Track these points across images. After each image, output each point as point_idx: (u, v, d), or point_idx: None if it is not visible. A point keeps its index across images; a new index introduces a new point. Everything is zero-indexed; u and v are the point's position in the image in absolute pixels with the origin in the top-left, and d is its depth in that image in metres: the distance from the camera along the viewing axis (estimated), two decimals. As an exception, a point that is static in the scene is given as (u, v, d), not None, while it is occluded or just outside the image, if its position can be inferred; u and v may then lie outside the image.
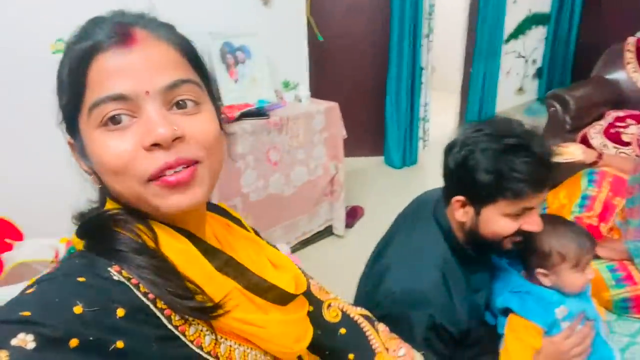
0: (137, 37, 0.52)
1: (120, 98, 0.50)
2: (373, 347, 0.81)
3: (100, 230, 0.55)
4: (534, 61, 4.45)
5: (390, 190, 2.93)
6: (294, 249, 2.23)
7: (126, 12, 0.55)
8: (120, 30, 0.51)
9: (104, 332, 0.46)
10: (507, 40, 4.04)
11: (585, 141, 2.52)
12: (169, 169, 0.51)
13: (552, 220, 1.16)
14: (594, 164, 2.07)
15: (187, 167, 0.52)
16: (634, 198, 1.94)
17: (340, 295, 0.87)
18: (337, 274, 1.93)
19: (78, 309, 0.45)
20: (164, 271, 0.52)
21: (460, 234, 1.12)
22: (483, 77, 3.77)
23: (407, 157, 3.35)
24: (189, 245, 0.57)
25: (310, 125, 2.20)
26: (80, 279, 0.49)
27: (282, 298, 0.64)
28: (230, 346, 0.58)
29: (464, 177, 1.02)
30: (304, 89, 2.37)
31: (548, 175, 0.98)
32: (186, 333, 0.53)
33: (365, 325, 0.83)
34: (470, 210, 1.06)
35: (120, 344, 0.46)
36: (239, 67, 2.22)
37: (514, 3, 3.88)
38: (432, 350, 1.06)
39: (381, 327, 0.86)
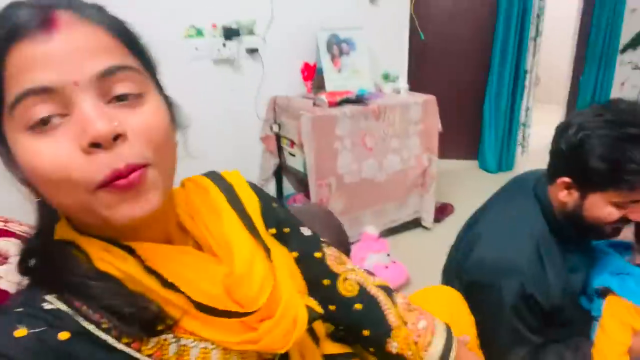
0: (59, 20, 0.44)
1: (44, 91, 0.43)
2: (389, 321, 0.76)
3: (41, 260, 0.50)
4: (655, 74, 4.08)
5: (483, 193, 2.82)
6: (382, 235, 2.28)
7: None
8: (40, 13, 0.44)
9: (48, 354, 0.43)
10: (624, 50, 3.78)
11: None
12: (118, 178, 0.44)
13: None
14: None
15: (136, 171, 0.45)
16: None
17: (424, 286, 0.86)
18: (422, 266, 1.95)
19: (21, 332, 0.43)
20: (105, 293, 0.47)
21: (559, 213, 1.11)
22: (594, 87, 3.55)
23: (504, 162, 3.26)
24: (129, 267, 0.50)
25: (406, 115, 2.26)
26: (18, 310, 0.46)
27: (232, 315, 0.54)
28: (206, 347, 0.53)
29: (576, 161, 1.00)
30: (403, 82, 2.44)
31: None
32: (142, 348, 0.48)
33: (382, 298, 0.78)
34: (575, 193, 1.04)
35: None
36: (343, 57, 2.36)
37: (633, 12, 3.63)
38: (520, 320, 1.06)
39: (399, 299, 0.80)
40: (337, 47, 2.35)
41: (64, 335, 0.44)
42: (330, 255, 0.76)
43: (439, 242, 2.45)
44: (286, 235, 0.71)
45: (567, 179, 1.04)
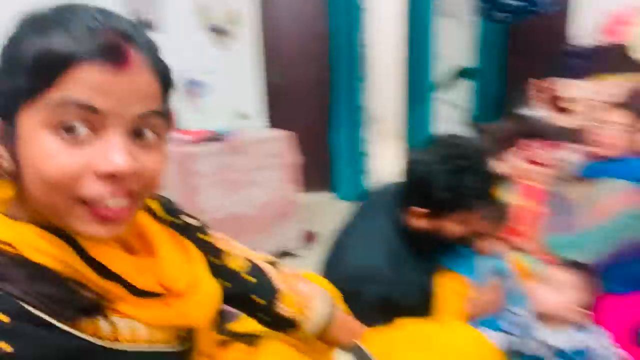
0: (130, 59, 0.49)
1: (90, 109, 0.47)
2: (276, 286, 0.89)
3: None
4: (467, 109, 4.90)
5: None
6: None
7: (120, 19, 0.50)
8: (114, 45, 0.48)
9: None
10: (438, 90, 4.49)
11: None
12: (108, 198, 0.49)
13: None
14: (512, 177, 2.39)
15: (126, 199, 0.50)
16: (551, 204, 2.25)
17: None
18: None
19: None
20: (39, 279, 0.49)
21: (415, 234, 1.28)
22: (419, 123, 4.12)
23: (359, 190, 3.56)
24: (67, 255, 0.52)
25: (265, 150, 2.40)
26: None
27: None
28: (132, 324, 0.57)
29: (423, 193, 1.19)
30: (259, 120, 2.61)
31: (493, 192, 1.22)
32: (82, 326, 0.51)
33: (269, 268, 0.91)
34: (426, 219, 1.24)
35: (7, 347, 0.43)
36: (199, 99, 2.43)
37: (440, 58, 4.37)
38: (382, 317, 1.21)
39: (285, 268, 0.95)
40: (194, 89, 2.41)
41: (4, 318, 0.45)
42: (217, 236, 0.87)
43: (307, 268, 2.58)
44: (179, 224, 0.79)
45: (418, 209, 1.23)
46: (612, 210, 1.93)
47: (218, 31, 2.55)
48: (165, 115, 0.54)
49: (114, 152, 0.48)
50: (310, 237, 2.78)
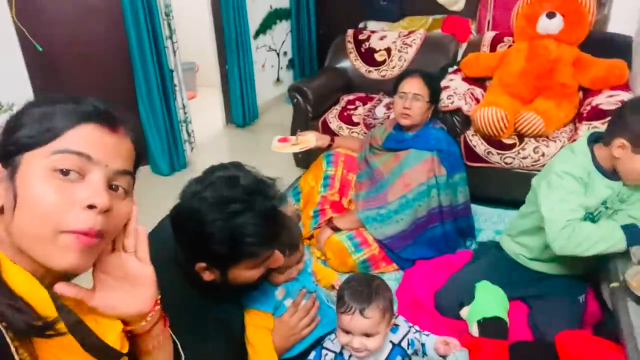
0: (119, 126, 0.67)
1: (85, 156, 0.61)
2: None
3: None
4: (285, 53, 4.79)
5: (162, 198, 2.82)
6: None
7: (119, 111, 0.69)
8: (112, 119, 0.66)
9: None
10: (256, 36, 4.24)
11: (325, 125, 2.83)
12: (86, 235, 0.60)
13: None
14: (329, 147, 2.36)
15: (97, 237, 0.61)
16: (361, 173, 2.28)
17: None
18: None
19: None
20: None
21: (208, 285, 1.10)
22: (239, 72, 3.89)
23: (175, 162, 3.26)
24: (47, 298, 0.61)
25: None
26: None
27: (115, 357, 0.68)
28: None
29: (202, 248, 1.00)
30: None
31: (276, 229, 1.04)
32: (19, 350, 0.57)
33: None
34: (216, 271, 1.06)
35: None
36: None
37: (254, 0, 4.08)
38: None
39: None
40: None
41: None
42: None
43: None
44: None
45: (203, 264, 1.04)
46: (414, 181, 2.01)
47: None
48: (133, 176, 0.69)
49: (97, 189, 0.62)
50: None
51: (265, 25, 4.39)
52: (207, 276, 1.07)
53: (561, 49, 2.50)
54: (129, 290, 0.69)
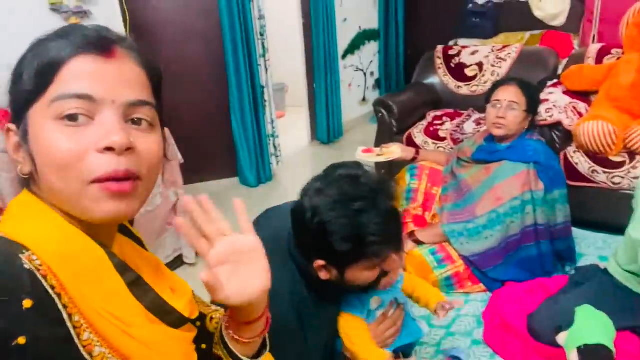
0: (116, 52, 0.57)
1: (86, 98, 0.54)
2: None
3: (20, 213, 0.57)
4: (372, 73, 4.82)
5: (249, 209, 2.91)
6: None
7: (110, 30, 0.60)
8: (103, 42, 0.57)
9: (9, 322, 0.46)
10: (344, 56, 4.33)
11: (410, 140, 2.77)
12: (114, 180, 0.54)
13: None
14: (413, 159, 2.29)
15: (130, 180, 0.56)
16: (447, 186, 2.18)
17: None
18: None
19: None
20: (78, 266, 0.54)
21: (322, 282, 1.10)
22: (326, 91, 3.97)
23: (262, 175, 3.37)
24: (105, 256, 0.58)
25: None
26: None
27: (177, 321, 0.65)
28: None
29: (323, 246, 1.01)
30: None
31: (399, 228, 1.04)
32: (81, 337, 0.53)
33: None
34: (333, 270, 1.06)
35: (22, 340, 0.46)
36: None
37: (344, 22, 4.18)
38: None
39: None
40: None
41: (27, 303, 0.47)
42: (199, 299, 0.85)
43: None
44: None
45: (322, 262, 1.05)
46: (506, 195, 1.87)
47: (70, 12, 2.14)
48: (155, 107, 0.60)
49: (109, 129, 0.54)
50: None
51: (354, 46, 4.47)
52: (324, 275, 1.07)
53: (681, 59, 2.23)
54: (247, 270, 0.65)
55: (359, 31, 4.47)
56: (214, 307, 0.85)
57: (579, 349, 1.34)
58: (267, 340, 0.78)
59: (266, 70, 3.27)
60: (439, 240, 1.97)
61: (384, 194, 1.00)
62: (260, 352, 0.77)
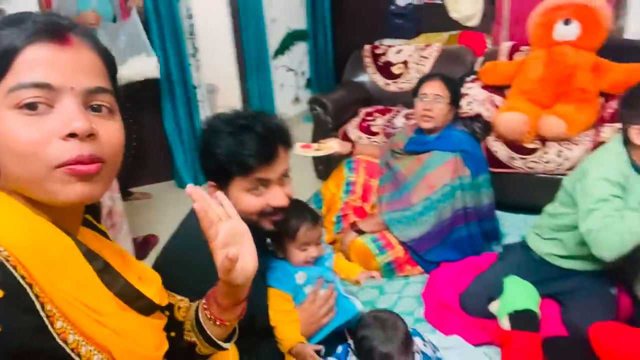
0: (69, 37, 0.57)
1: (44, 86, 0.54)
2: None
3: None
4: (303, 73, 4.90)
5: (186, 211, 2.86)
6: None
7: (62, 16, 0.60)
8: (57, 29, 0.56)
9: None
10: (275, 56, 4.36)
11: (345, 136, 2.87)
12: (79, 163, 0.55)
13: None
14: (350, 154, 2.38)
15: (94, 163, 0.56)
16: (383, 177, 2.29)
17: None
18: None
19: None
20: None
21: None
22: (259, 92, 3.98)
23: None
24: (72, 245, 0.59)
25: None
26: None
27: (147, 308, 0.67)
28: (90, 350, 0.57)
29: (208, 162, 1.11)
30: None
31: (271, 149, 1.09)
32: (54, 325, 0.53)
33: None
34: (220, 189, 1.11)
35: None
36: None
37: (273, 22, 4.21)
38: None
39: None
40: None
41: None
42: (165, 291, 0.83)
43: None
44: None
45: (212, 182, 1.12)
46: (438, 182, 2.01)
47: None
48: (114, 94, 0.61)
49: (70, 116, 0.55)
50: (147, 244, 2.49)
51: (284, 46, 4.52)
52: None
53: (579, 55, 2.51)
54: (243, 251, 0.71)
55: (288, 31, 4.52)
56: (179, 297, 0.87)
57: (509, 315, 1.50)
58: (236, 326, 0.82)
59: (197, 69, 3.23)
60: (379, 229, 2.08)
61: (263, 119, 1.12)
62: (230, 337, 0.80)
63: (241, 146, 1.06)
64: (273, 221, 1.16)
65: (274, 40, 4.28)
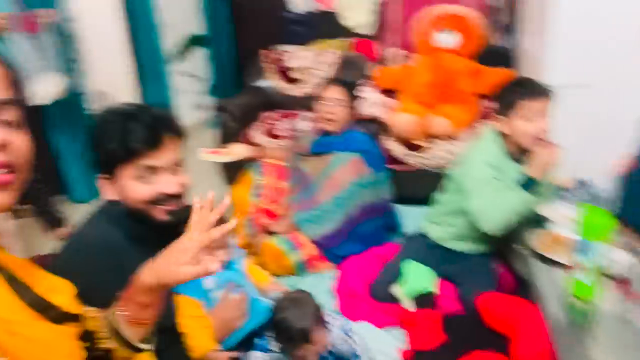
0: None
1: None
2: None
3: None
4: (204, 78, 4.81)
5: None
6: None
7: None
8: None
9: None
10: (173, 61, 4.24)
11: (251, 141, 2.89)
12: None
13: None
14: (258, 158, 2.42)
15: (10, 172, 0.57)
16: (292, 179, 2.36)
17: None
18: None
19: None
20: None
21: (130, 214, 1.11)
22: (156, 98, 3.84)
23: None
24: None
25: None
26: None
27: (59, 317, 0.67)
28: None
29: (96, 153, 1.08)
30: None
31: (156, 135, 1.07)
32: None
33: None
34: (111, 181, 1.08)
35: None
36: None
37: (169, 26, 4.09)
38: None
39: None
40: None
41: None
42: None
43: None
44: None
45: (102, 175, 1.09)
46: (343, 181, 2.13)
47: None
48: (20, 106, 0.62)
49: None
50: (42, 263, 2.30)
51: (182, 51, 4.41)
52: (109, 192, 1.10)
53: (459, 61, 2.81)
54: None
55: (186, 36, 4.42)
56: (87, 307, 0.85)
57: (412, 297, 1.64)
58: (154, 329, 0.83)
59: (83, 75, 3.04)
60: (289, 229, 2.14)
61: (150, 109, 1.13)
62: (148, 340, 0.81)
63: (126, 132, 1.05)
64: (167, 211, 1.12)
65: (171, 45, 4.15)
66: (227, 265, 1.38)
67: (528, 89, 1.59)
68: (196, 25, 4.62)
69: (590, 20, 1.91)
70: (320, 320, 1.34)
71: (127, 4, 3.49)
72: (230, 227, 0.84)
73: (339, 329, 1.43)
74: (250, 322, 1.37)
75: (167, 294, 1.18)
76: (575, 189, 1.73)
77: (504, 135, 1.66)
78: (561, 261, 1.32)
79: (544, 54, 2.10)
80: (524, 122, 1.55)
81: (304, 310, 1.32)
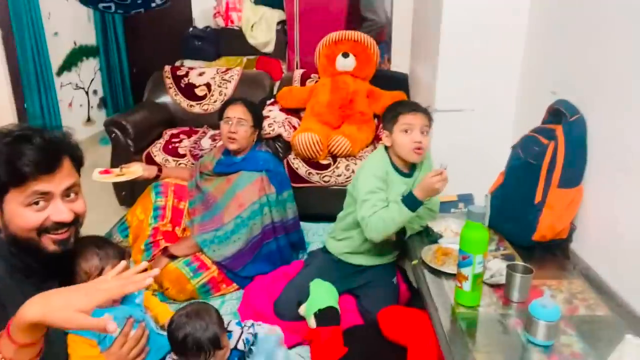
0: None
1: None
2: None
3: None
4: (95, 91, 4.52)
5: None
6: None
7: None
8: None
9: None
10: (60, 73, 3.93)
11: (150, 159, 2.77)
12: None
13: (84, 241, 1.25)
14: (156, 177, 2.33)
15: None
16: (194, 200, 2.30)
17: None
18: None
19: None
20: None
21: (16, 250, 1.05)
22: (42, 112, 3.53)
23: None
24: None
25: None
26: None
27: None
28: None
29: None
30: None
31: (50, 159, 1.03)
32: None
33: None
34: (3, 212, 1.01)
35: None
36: None
37: (55, 36, 3.81)
38: None
39: None
40: None
41: None
42: None
43: None
44: None
45: None
46: (247, 201, 2.12)
47: None
48: None
49: None
50: None
51: (70, 62, 4.11)
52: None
53: (357, 83, 2.96)
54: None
55: (74, 47, 4.13)
56: None
57: (315, 314, 1.68)
58: None
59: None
60: (192, 252, 2.08)
61: (44, 132, 1.07)
62: None
63: (16, 155, 0.99)
64: (56, 240, 1.06)
65: (57, 55, 3.85)
66: (126, 300, 1.29)
67: (406, 106, 1.79)
68: (88, 35, 4.35)
69: (471, 51, 2.13)
70: (222, 326, 1.36)
71: (10, 12, 3.19)
72: (147, 284, 0.85)
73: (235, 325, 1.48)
74: (149, 357, 1.30)
75: (59, 333, 1.10)
76: (458, 205, 1.91)
77: (390, 149, 1.80)
78: (449, 272, 1.44)
79: (433, 79, 2.29)
80: (402, 134, 1.71)
81: (206, 318, 1.31)
